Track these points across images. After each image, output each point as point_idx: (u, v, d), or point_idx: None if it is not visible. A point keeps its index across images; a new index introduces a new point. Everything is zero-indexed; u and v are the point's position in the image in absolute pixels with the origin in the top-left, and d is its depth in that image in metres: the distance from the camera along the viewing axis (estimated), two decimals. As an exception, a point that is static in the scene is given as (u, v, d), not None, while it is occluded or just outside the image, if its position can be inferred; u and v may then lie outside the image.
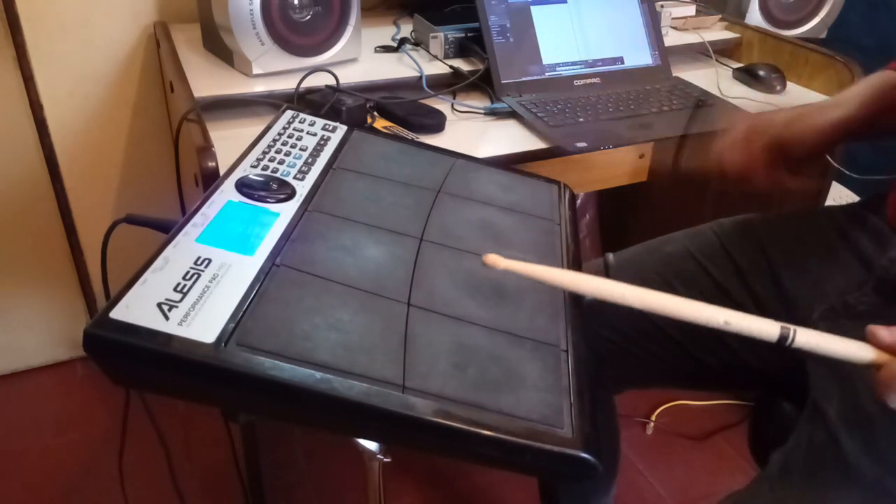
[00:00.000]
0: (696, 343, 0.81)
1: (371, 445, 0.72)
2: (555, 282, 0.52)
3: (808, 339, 0.51)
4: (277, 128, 0.72)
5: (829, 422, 0.64)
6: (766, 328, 0.51)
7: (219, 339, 0.45)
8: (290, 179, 0.64)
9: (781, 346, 0.51)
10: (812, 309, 0.73)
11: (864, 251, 0.73)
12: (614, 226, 1.80)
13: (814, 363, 0.71)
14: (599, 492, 1.07)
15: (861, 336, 0.66)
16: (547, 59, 1.13)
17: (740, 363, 0.80)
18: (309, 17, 1.04)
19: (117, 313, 0.45)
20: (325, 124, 0.75)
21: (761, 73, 1.23)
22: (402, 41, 1.20)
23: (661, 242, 0.87)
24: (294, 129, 0.72)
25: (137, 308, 0.46)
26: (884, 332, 0.51)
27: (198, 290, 0.48)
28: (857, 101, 0.72)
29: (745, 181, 0.74)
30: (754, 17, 1.42)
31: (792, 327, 0.51)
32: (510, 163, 0.93)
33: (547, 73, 1.13)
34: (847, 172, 1.06)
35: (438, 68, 1.13)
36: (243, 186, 0.61)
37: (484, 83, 1.10)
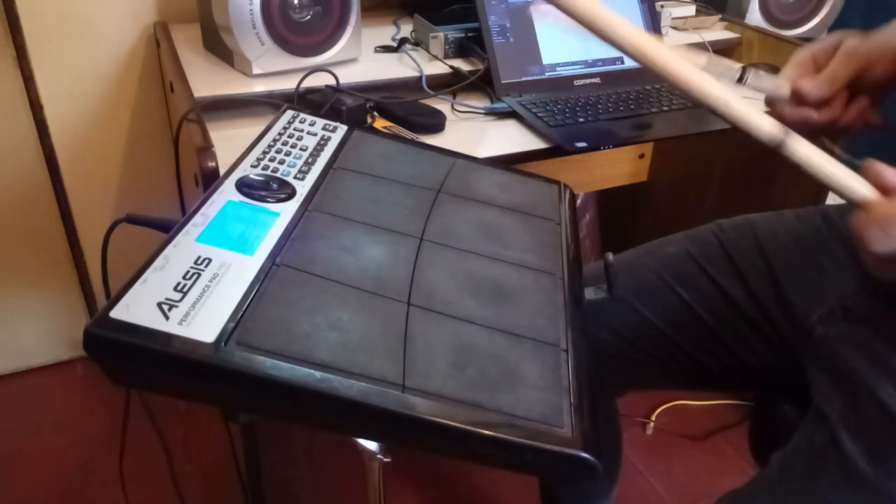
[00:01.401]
0: (695, 344, 0.81)
1: (371, 445, 0.72)
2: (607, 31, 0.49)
3: (802, 150, 0.48)
4: (278, 128, 0.72)
5: (830, 424, 0.63)
6: (764, 126, 0.49)
7: (219, 338, 0.45)
8: (290, 179, 0.64)
9: (774, 149, 0.48)
10: (811, 312, 0.73)
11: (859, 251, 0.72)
12: (614, 226, 1.80)
13: (814, 367, 0.71)
14: (601, 493, 1.07)
15: (862, 342, 0.66)
16: (547, 58, 1.13)
17: (739, 364, 0.80)
18: (309, 17, 1.04)
19: (117, 313, 0.45)
20: (326, 124, 0.75)
21: (761, 73, 1.23)
22: (402, 41, 1.20)
23: (661, 244, 0.87)
24: (294, 129, 0.72)
25: (138, 307, 0.46)
26: (889, 173, 0.47)
27: (198, 289, 0.48)
28: None
29: (824, 110, 0.65)
30: (754, 17, 1.42)
31: (790, 136, 0.48)
32: (510, 163, 0.93)
33: (547, 73, 1.13)
34: (855, 162, 1.05)
35: (438, 68, 1.13)
36: (243, 186, 0.61)
37: (484, 83, 1.10)
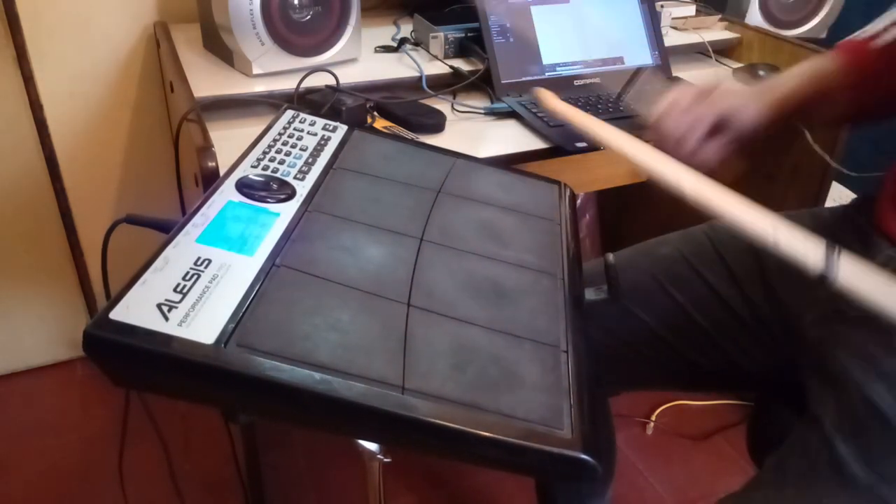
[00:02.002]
0: (689, 346, 0.81)
1: (371, 445, 0.72)
2: (591, 132, 0.51)
3: (850, 279, 0.48)
4: (278, 128, 0.72)
5: (823, 426, 0.63)
6: (810, 258, 0.49)
7: (218, 339, 0.45)
8: (290, 179, 0.64)
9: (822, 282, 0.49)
10: (804, 314, 0.73)
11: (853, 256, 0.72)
12: (614, 226, 1.80)
13: (809, 370, 0.71)
14: (596, 493, 1.07)
15: (854, 344, 0.66)
16: (547, 59, 1.13)
17: (733, 365, 0.80)
18: (309, 17, 1.04)
19: (117, 314, 0.45)
20: (326, 124, 0.75)
21: (761, 73, 1.23)
22: (402, 41, 1.20)
23: (655, 245, 0.87)
24: (294, 129, 0.72)
25: (137, 308, 0.46)
26: None
27: (198, 290, 0.48)
28: (792, 84, 0.71)
29: (678, 147, 0.69)
30: (754, 17, 1.42)
31: (834, 262, 0.48)
32: (510, 163, 0.92)
33: (547, 73, 1.13)
34: (843, 171, 1.06)
35: (438, 68, 1.13)
36: (243, 186, 0.61)
37: (484, 83, 1.10)
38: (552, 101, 0.52)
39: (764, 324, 0.77)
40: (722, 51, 1.37)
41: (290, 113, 0.75)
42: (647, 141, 0.69)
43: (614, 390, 0.98)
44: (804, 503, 0.62)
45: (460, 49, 1.17)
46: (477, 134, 1.01)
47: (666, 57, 1.22)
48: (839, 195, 1.64)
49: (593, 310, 0.62)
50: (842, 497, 0.60)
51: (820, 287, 0.50)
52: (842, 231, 0.75)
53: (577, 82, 1.15)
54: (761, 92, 0.70)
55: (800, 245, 0.49)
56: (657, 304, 0.81)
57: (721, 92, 0.68)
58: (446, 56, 1.16)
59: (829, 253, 0.49)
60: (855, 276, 0.48)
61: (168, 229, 0.54)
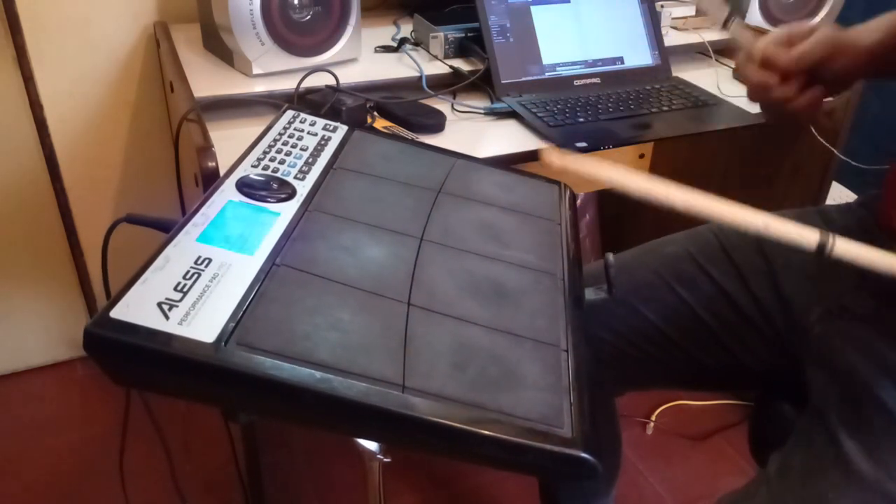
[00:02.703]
0: (695, 344, 0.81)
1: (371, 445, 0.72)
2: (605, 179, 0.52)
3: (846, 248, 0.51)
4: (278, 128, 0.72)
5: (829, 423, 0.63)
6: (804, 235, 0.52)
7: (219, 338, 0.45)
8: (290, 179, 0.64)
9: (820, 255, 0.51)
10: (810, 311, 0.73)
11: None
12: (614, 226, 1.80)
13: (813, 365, 0.71)
14: (600, 493, 1.07)
15: (860, 341, 0.66)
16: (547, 59, 1.13)
17: (738, 363, 0.80)
18: (309, 17, 1.04)
19: (117, 313, 0.45)
20: (326, 124, 0.75)
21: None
22: (402, 41, 1.20)
23: (661, 244, 0.87)
24: (295, 129, 0.72)
25: (138, 307, 0.46)
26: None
27: (198, 289, 0.48)
28: (880, 34, 0.68)
29: (783, 83, 0.67)
30: (754, 17, 1.42)
31: (830, 237, 0.51)
32: (510, 163, 0.92)
33: (547, 73, 1.13)
34: (851, 162, 1.05)
35: (438, 68, 1.13)
36: (244, 186, 0.61)
37: (484, 83, 1.10)
38: (561, 162, 0.54)
39: (770, 321, 0.78)
40: (722, 51, 1.37)
41: (290, 113, 0.75)
42: (749, 72, 0.69)
43: (620, 390, 0.98)
44: (809, 499, 0.62)
45: (460, 49, 1.17)
46: (477, 134, 1.01)
47: (666, 57, 1.22)
48: (839, 195, 1.64)
49: (597, 310, 0.62)
50: (847, 493, 0.61)
51: (819, 259, 0.52)
52: (847, 228, 0.75)
53: (577, 82, 1.15)
54: (856, 37, 0.68)
55: (794, 229, 0.51)
56: (663, 303, 0.82)
57: (824, 30, 0.67)
58: (446, 56, 1.16)
59: (823, 231, 0.52)
60: (850, 246, 0.51)
61: (168, 229, 0.54)
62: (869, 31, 0.68)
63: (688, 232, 0.87)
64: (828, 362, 0.68)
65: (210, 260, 0.51)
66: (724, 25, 0.68)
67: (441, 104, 1.05)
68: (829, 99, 0.70)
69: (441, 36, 1.15)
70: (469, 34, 1.16)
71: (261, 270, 0.52)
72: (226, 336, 0.46)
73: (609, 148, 1.01)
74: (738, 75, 0.69)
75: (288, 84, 1.01)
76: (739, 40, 0.68)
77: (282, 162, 0.66)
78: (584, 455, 0.46)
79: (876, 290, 0.69)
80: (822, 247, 0.52)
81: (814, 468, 0.63)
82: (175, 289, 0.48)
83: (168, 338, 0.44)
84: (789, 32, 0.68)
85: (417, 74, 1.09)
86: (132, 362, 0.46)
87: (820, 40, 0.66)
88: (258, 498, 1.11)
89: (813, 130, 1.19)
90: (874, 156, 1.47)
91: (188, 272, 0.50)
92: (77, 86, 1.28)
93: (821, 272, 0.75)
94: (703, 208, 0.54)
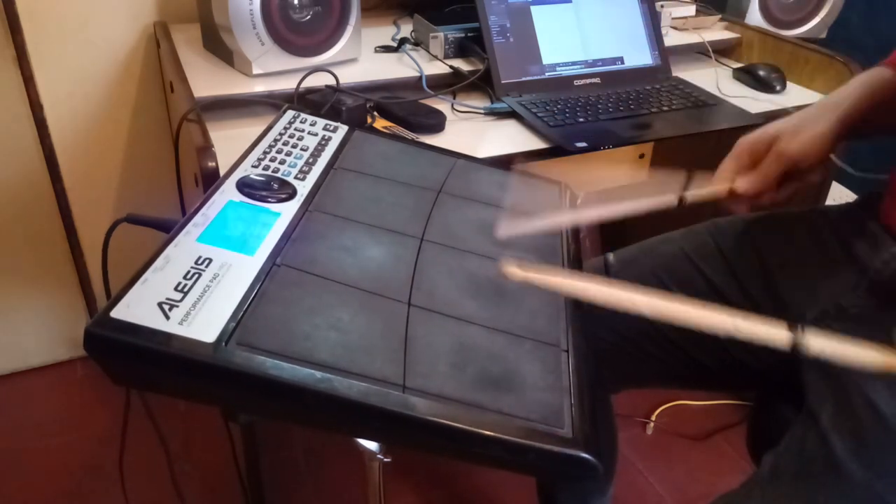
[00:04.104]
0: (694, 344, 0.81)
1: (371, 445, 0.72)
2: (568, 290, 0.53)
3: (817, 344, 0.51)
4: (279, 128, 0.72)
5: (821, 425, 0.64)
6: (776, 336, 0.52)
7: (219, 338, 0.45)
8: (291, 179, 0.64)
9: (794, 353, 0.51)
10: (805, 311, 0.73)
11: (857, 253, 0.73)
12: (614, 226, 1.80)
13: (809, 366, 0.71)
14: (597, 492, 1.07)
15: (856, 339, 0.66)
16: (547, 58, 1.13)
17: (738, 364, 0.80)
18: (309, 17, 1.04)
19: (118, 312, 0.45)
20: (327, 124, 0.75)
21: (761, 73, 1.23)
22: (402, 41, 1.20)
23: (658, 242, 0.87)
24: (295, 129, 0.72)
25: (138, 307, 0.46)
26: None
27: (198, 289, 0.48)
28: (852, 99, 0.72)
29: (758, 201, 0.72)
30: (754, 17, 1.42)
31: (801, 336, 0.51)
32: (510, 163, 0.93)
33: (547, 73, 1.13)
34: (848, 170, 1.06)
35: (438, 68, 1.13)
36: (244, 186, 0.61)
37: (484, 83, 1.10)
38: (524, 276, 0.55)
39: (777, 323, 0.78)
40: (722, 51, 1.37)
41: (290, 113, 0.75)
42: (726, 206, 0.73)
43: (616, 388, 0.98)
44: (801, 501, 0.62)
45: (460, 49, 1.17)
46: (477, 134, 1.01)
47: (666, 57, 1.22)
48: (839, 195, 1.64)
49: (595, 308, 0.62)
50: (838, 494, 0.61)
51: (794, 354, 0.53)
52: (848, 228, 0.75)
53: (577, 82, 1.15)
54: (822, 116, 0.70)
55: (763, 329, 0.52)
56: None
57: (784, 144, 0.70)
58: (446, 56, 1.16)
59: (793, 329, 0.52)
60: (823, 343, 0.51)
61: (168, 229, 0.54)
62: (825, 109, 0.71)
63: (685, 230, 0.87)
64: (821, 364, 0.68)
65: (210, 260, 0.51)
66: (680, 204, 0.71)
67: (441, 104, 1.05)
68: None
69: (441, 36, 1.15)
70: (469, 34, 1.16)
71: (261, 270, 0.52)
72: (226, 336, 0.46)
73: (609, 148, 1.01)
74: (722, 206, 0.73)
75: (288, 84, 1.01)
76: (703, 198, 0.71)
77: (282, 162, 0.66)
78: (584, 455, 0.46)
79: (872, 290, 0.69)
80: (794, 347, 0.52)
81: (805, 470, 0.63)
82: (175, 289, 0.48)
83: (168, 338, 0.44)
84: (750, 147, 0.72)
85: (417, 74, 1.09)
86: (132, 362, 0.46)
87: (778, 156, 0.69)
88: (258, 498, 1.11)
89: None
90: (873, 161, 1.47)
91: (189, 272, 0.50)
92: (77, 86, 1.28)
93: (816, 272, 0.75)
94: (670, 313, 0.53)
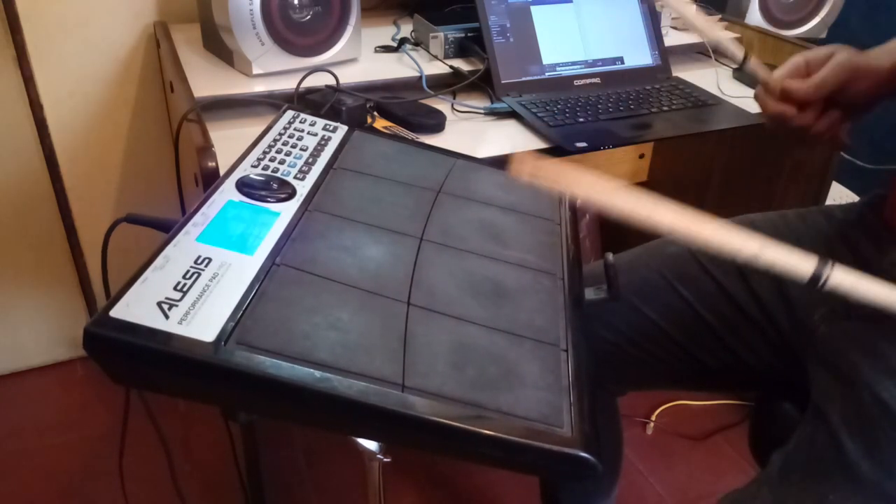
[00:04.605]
0: (696, 343, 0.81)
1: (371, 445, 0.73)
2: (578, 192, 0.50)
3: (842, 280, 0.49)
4: (278, 127, 0.72)
5: (830, 423, 0.63)
6: (799, 265, 0.50)
7: (219, 337, 0.45)
8: (290, 179, 0.64)
9: (814, 286, 0.50)
10: (813, 311, 0.73)
11: (863, 253, 0.73)
12: (614, 226, 1.80)
13: (815, 365, 0.71)
14: (601, 493, 1.07)
15: (864, 341, 0.66)
16: (547, 59, 1.13)
17: (740, 364, 0.80)
18: (309, 17, 1.05)
19: (117, 312, 0.45)
20: (326, 124, 0.75)
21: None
22: (402, 41, 1.20)
23: (663, 243, 0.87)
24: (295, 129, 0.72)
25: (138, 307, 0.46)
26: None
27: (198, 289, 0.48)
28: None
29: (802, 111, 0.69)
30: (754, 17, 1.42)
31: (828, 267, 0.49)
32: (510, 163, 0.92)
33: (547, 73, 1.13)
34: (857, 162, 1.06)
35: (438, 68, 1.13)
36: (244, 186, 0.61)
37: (484, 83, 1.10)
38: (530, 173, 0.51)
39: (772, 321, 0.78)
40: (722, 51, 1.37)
41: (290, 113, 0.75)
42: (768, 104, 0.70)
43: (622, 390, 0.98)
44: (810, 500, 0.62)
45: (460, 49, 1.17)
46: (477, 134, 1.01)
47: (666, 57, 1.22)
48: (839, 195, 1.64)
49: (598, 309, 0.62)
50: (848, 493, 0.60)
51: (812, 290, 0.51)
52: (853, 229, 0.75)
53: (577, 82, 1.15)
54: (882, 55, 0.69)
55: (791, 257, 0.49)
56: (665, 302, 0.82)
57: (845, 56, 0.68)
58: (446, 56, 1.16)
59: (821, 260, 0.50)
60: (847, 277, 0.49)
61: (168, 228, 0.54)
62: (888, 52, 0.69)
63: None
64: (830, 362, 0.68)
65: (210, 259, 0.51)
66: (742, 65, 0.70)
67: (441, 104, 1.05)
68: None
69: (441, 36, 1.15)
70: (469, 34, 1.16)
71: (261, 270, 0.52)
72: (226, 335, 0.46)
73: (609, 148, 1.01)
74: (758, 107, 0.71)
75: (288, 84, 1.01)
76: (758, 74, 0.69)
77: (282, 162, 0.66)
78: (583, 454, 0.46)
79: None
80: (816, 278, 0.50)
81: (815, 469, 0.63)
82: (175, 288, 0.48)
83: (168, 337, 0.44)
84: (806, 59, 0.70)
85: (417, 74, 1.09)
86: (132, 362, 0.46)
87: (837, 66, 0.67)
88: (258, 498, 1.11)
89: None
90: (875, 156, 1.47)
91: (188, 272, 0.50)
92: (77, 86, 1.28)
93: None
94: (692, 231, 0.50)
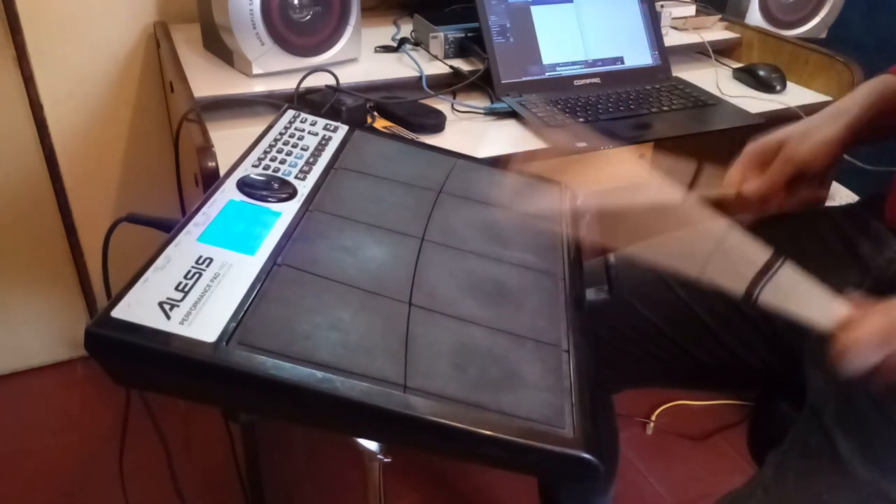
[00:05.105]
0: (695, 342, 0.81)
1: (371, 445, 0.72)
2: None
3: (772, 298, 0.52)
4: (279, 127, 0.72)
5: (824, 423, 0.64)
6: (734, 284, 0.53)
7: (220, 338, 0.45)
8: (291, 179, 0.64)
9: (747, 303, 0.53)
10: None
11: (862, 252, 0.73)
12: (614, 226, 1.80)
13: (811, 365, 0.71)
14: (598, 492, 1.07)
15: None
16: (547, 58, 1.13)
17: (737, 362, 0.80)
18: (309, 17, 1.04)
19: (119, 312, 0.45)
20: (327, 124, 0.75)
21: (761, 73, 1.23)
22: (402, 41, 1.20)
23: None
24: (295, 129, 0.72)
25: (139, 307, 0.46)
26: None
27: (199, 289, 0.48)
28: (860, 107, 0.72)
29: (766, 206, 0.72)
30: (754, 17, 1.42)
31: (760, 285, 0.52)
32: (510, 163, 0.92)
33: (547, 73, 1.13)
34: (857, 163, 1.06)
35: (438, 68, 1.13)
36: (245, 186, 0.61)
37: (484, 83, 1.10)
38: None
39: (768, 320, 0.78)
40: (722, 51, 1.37)
41: (290, 113, 0.75)
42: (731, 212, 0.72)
43: (618, 387, 0.98)
44: (805, 499, 0.62)
45: (460, 49, 1.17)
46: (477, 134, 1.01)
47: (666, 57, 1.22)
48: (839, 195, 1.64)
49: (597, 308, 0.62)
50: (842, 492, 0.61)
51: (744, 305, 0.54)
52: (851, 229, 0.75)
53: (577, 82, 1.15)
54: (830, 122, 0.71)
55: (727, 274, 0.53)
56: (662, 301, 0.82)
57: (791, 148, 0.70)
58: (446, 56, 1.16)
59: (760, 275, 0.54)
60: (777, 294, 0.53)
61: (169, 228, 0.54)
62: (833, 115, 0.71)
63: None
64: (824, 361, 0.68)
65: (211, 260, 0.51)
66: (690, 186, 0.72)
67: (441, 104, 1.05)
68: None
69: (441, 36, 1.15)
70: (469, 34, 1.16)
71: (262, 270, 0.52)
72: (227, 336, 0.46)
73: (609, 148, 1.01)
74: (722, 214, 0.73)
75: (288, 84, 1.01)
76: (710, 196, 0.71)
77: (282, 162, 0.66)
78: (585, 455, 0.46)
79: (875, 288, 0.69)
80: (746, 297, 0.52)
81: (809, 469, 0.63)
82: (176, 288, 0.48)
83: (169, 337, 0.44)
84: (758, 152, 0.72)
85: (417, 74, 1.09)
86: (133, 362, 0.46)
87: (785, 160, 0.70)
88: (258, 498, 1.11)
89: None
90: (875, 156, 1.47)
91: (189, 272, 0.50)
92: (77, 86, 1.28)
93: (820, 271, 0.75)
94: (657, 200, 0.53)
